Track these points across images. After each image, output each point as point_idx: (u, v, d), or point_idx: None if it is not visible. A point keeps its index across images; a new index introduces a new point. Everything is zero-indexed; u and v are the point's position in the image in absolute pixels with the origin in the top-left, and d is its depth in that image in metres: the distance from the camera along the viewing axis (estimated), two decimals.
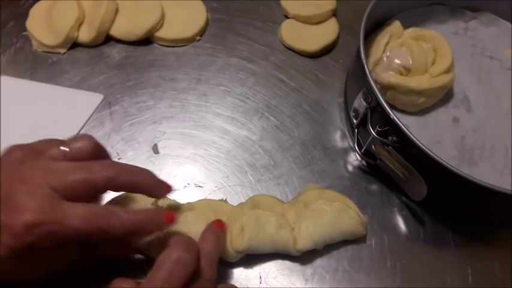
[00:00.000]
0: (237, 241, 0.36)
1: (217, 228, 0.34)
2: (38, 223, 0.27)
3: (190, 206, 0.38)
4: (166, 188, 0.34)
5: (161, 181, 0.34)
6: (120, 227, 0.29)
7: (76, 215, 0.28)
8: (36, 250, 0.28)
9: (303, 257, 0.38)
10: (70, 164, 0.30)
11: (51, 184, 0.28)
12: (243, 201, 0.40)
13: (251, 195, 0.41)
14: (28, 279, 0.31)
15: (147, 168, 0.41)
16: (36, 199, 0.27)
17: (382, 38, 0.46)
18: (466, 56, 0.50)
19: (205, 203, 0.40)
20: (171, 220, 0.32)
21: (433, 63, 0.45)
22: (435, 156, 0.34)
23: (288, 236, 0.36)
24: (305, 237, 0.37)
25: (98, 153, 0.33)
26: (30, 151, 0.31)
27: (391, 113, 0.36)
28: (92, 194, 0.31)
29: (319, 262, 0.39)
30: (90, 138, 0.32)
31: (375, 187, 0.43)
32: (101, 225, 0.29)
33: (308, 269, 0.38)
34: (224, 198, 0.41)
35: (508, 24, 0.52)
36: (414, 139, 0.34)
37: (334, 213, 0.37)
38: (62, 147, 0.31)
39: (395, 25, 0.47)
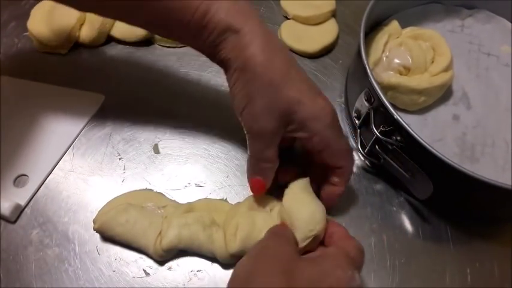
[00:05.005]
0: (230, 242, 0.34)
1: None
2: None
3: (190, 207, 0.37)
4: None
5: None
6: None
7: None
8: None
9: None
10: None
11: None
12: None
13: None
14: None
15: (148, 168, 0.40)
16: None
17: (381, 38, 0.44)
18: (464, 53, 0.48)
19: (205, 202, 0.38)
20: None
21: (432, 61, 0.44)
22: (440, 155, 0.33)
23: None
24: None
25: None
26: None
27: (395, 113, 0.34)
28: None
29: None
30: None
31: (376, 187, 0.41)
32: None
33: None
34: (224, 198, 0.39)
35: (504, 20, 0.51)
36: (418, 138, 0.33)
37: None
38: None
39: (394, 25, 0.46)
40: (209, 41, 0.32)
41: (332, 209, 0.39)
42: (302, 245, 0.32)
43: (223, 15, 0.31)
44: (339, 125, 0.34)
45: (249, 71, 0.31)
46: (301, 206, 0.33)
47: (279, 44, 0.33)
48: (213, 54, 0.33)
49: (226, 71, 0.34)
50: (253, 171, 0.35)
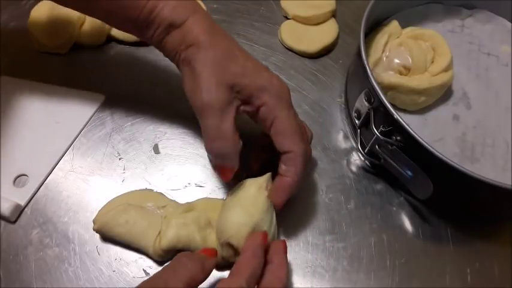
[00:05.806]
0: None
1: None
2: None
3: (190, 206, 0.36)
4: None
5: None
6: None
7: None
8: None
9: (303, 256, 0.37)
10: None
11: None
12: None
13: None
14: None
15: (148, 168, 0.40)
16: None
17: (381, 38, 0.44)
18: (464, 53, 0.48)
19: (205, 202, 0.38)
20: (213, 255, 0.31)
21: (432, 61, 0.43)
22: (440, 155, 0.32)
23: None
24: None
25: None
26: None
27: (395, 113, 0.34)
28: None
29: (318, 261, 0.37)
30: None
31: (376, 187, 0.41)
32: None
33: (307, 268, 0.36)
34: (224, 198, 0.39)
35: (504, 20, 0.50)
36: (419, 138, 0.33)
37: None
38: None
39: (394, 25, 0.45)
40: (156, 36, 0.34)
41: (332, 208, 0.39)
42: (220, 252, 0.32)
43: (168, 12, 0.33)
44: (290, 101, 0.34)
45: (193, 52, 0.32)
46: (225, 209, 0.33)
47: (221, 30, 0.34)
48: (161, 48, 0.35)
49: (177, 65, 0.35)
50: (216, 157, 0.34)
